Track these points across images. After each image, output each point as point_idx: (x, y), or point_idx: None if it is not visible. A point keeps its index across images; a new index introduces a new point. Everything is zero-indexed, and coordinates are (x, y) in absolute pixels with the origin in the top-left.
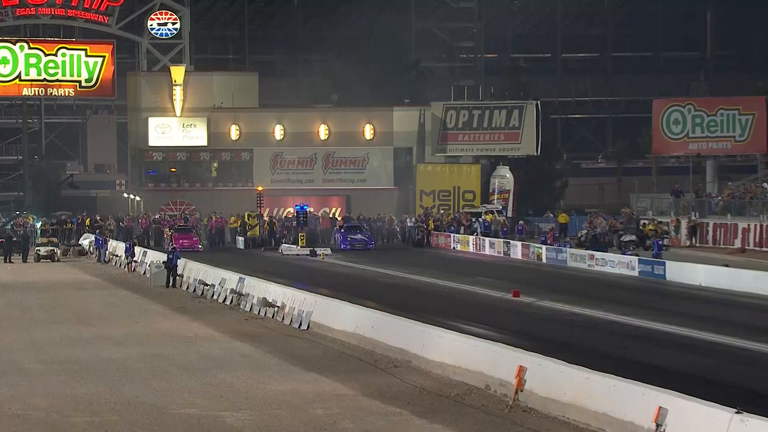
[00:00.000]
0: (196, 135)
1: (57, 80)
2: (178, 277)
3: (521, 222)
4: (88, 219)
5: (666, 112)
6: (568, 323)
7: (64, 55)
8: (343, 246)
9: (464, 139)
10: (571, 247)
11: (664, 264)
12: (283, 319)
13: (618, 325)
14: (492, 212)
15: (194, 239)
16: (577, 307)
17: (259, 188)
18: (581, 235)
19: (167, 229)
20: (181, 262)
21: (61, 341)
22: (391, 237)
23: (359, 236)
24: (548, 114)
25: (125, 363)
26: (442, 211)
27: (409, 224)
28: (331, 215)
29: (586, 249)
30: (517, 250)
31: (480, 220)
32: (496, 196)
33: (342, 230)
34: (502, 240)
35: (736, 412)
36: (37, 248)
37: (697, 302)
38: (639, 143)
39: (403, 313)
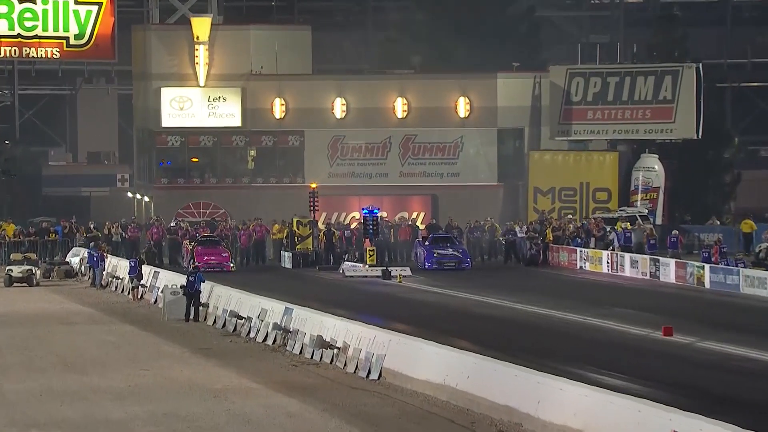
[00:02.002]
0: (226, 112)
1: (36, 36)
2: (201, 308)
3: (675, 232)
4: (80, 227)
5: None
6: (737, 372)
7: (45, 2)
8: (427, 264)
9: (596, 116)
10: (745, 267)
11: None
12: (345, 365)
13: None
14: (634, 218)
15: (224, 255)
16: (754, 350)
17: (313, 185)
18: (760, 250)
19: (187, 242)
20: (205, 286)
21: (41, 395)
22: (493, 252)
23: (450, 251)
24: (713, 81)
25: (129, 426)
26: (569, 217)
27: (518, 235)
28: (411, 222)
29: None
30: (669, 270)
31: (617, 228)
32: (639, 196)
33: (426, 243)
34: (648, 257)
35: None
36: (8, 268)
37: None
38: None
39: (511, 357)
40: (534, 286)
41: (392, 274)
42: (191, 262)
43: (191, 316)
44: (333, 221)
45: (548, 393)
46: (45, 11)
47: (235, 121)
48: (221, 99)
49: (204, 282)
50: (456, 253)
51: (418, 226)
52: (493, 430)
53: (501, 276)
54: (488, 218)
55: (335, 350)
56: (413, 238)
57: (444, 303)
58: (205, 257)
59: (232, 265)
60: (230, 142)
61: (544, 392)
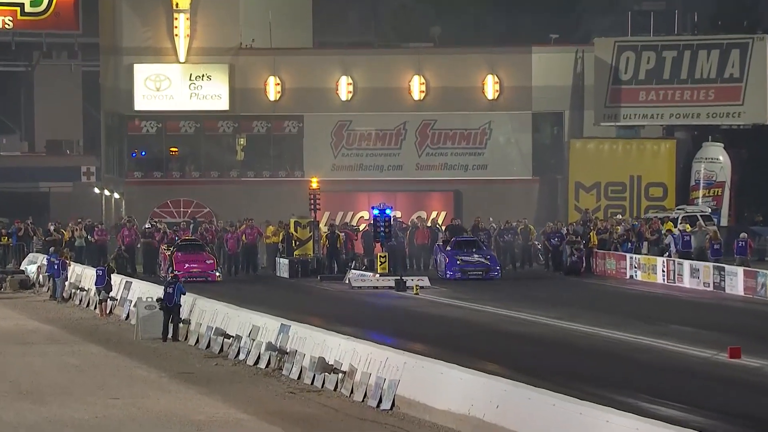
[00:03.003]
0: (210, 93)
1: None
2: (181, 325)
3: (743, 235)
4: (38, 230)
5: None
6: None
7: None
8: (449, 273)
9: (649, 98)
10: None
11: None
12: (351, 392)
13: None
14: (695, 218)
15: (208, 262)
16: None
17: (314, 180)
18: None
19: (165, 247)
20: (186, 299)
21: None
22: (527, 259)
23: (476, 257)
24: None
25: None
26: (617, 217)
27: (556, 238)
28: (429, 223)
29: None
30: (736, 281)
31: (675, 231)
32: (701, 192)
33: (448, 248)
34: (711, 265)
35: None
36: None
37: None
38: None
39: (548, 384)
40: (575, 298)
41: (407, 284)
42: (170, 270)
43: (169, 335)
44: (337, 222)
45: (593, 426)
46: None
47: (222, 103)
48: (205, 77)
49: (185, 294)
50: (483, 260)
51: (439, 228)
52: None
53: (536, 287)
54: (521, 219)
55: (340, 375)
56: (432, 242)
57: (469, 319)
58: (186, 265)
59: (218, 274)
60: (216, 129)
61: (587, 425)
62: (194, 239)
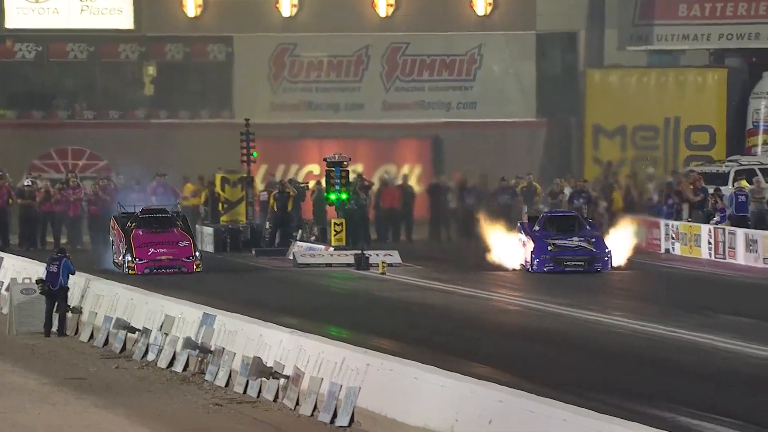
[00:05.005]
0: (109, 6)
1: None
2: (69, 315)
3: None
4: None
5: None
6: None
7: None
8: (537, 263)
9: (691, 13)
10: None
11: None
12: (297, 403)
13: None
14: (753, 173)
15: (182, 245)
16: None
17: (247, 122)
18: None
19: (115, 220)
20: (76, 280)
21: None
22: None
23: (576, 241)
24: None
25: None
26: (649, 170)
27: (581, 200)
28: (401, 180)
29: None
30: None
31: (725, 191)
32: (761, 139)
33: (536, 228)
34: None
35: None
36: None
37: None
38: None
39: (557, 393)
40: (593, 280)
41: (371, 261)
42: (126, 256)
43: (54, 328)
44: (278, 178)
45: None
46: None
47: (124, 21)
48: None
49: (74, 273)
50: (585, 245)
51: (411, 187)
52: None
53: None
54: (523, 175)
55: (282, 380)
56: (404, 206)
57: (452, 306)
58: (151, 250)
59: (196, 260)
60: (116, 55)
61: None
62: (161, 209)
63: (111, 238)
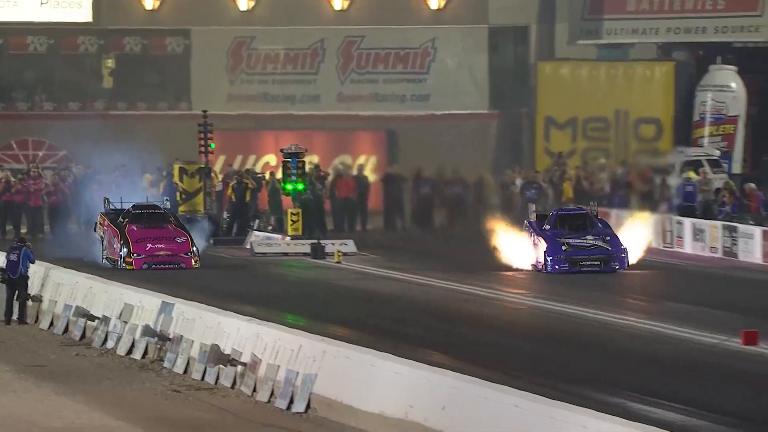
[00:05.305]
0: (68, 0)
1: None
2: (29, 303)
3: (751, 185)
4: None
5: None
6: None
7: None
8: (551, 266)
9: (640, 8)
10: None
11: None
12: (254, 390)
13: None
14: (699, 164)
15: (180, 241)
16: None
17: (205, 114)
18: None
19: (102, 215)
20: (36, 269)
21: None
22: (482, 216)
23: (590, 240)
24: None
25: None
26: (600, 161)
27: (533, 190)
28: (356, 171)
29: None
30: (753, 245)
31: (676, 181)
32: (708, 130)
33: (547, 227)
34: (720, 224)
35: None
36: None
37: None
38: None
39: (510, 379)
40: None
41: (327, 250)
42: (123, 251)
43: (14, 316)
44: (235, 169)
45: None
46: None
47: (83, 14)
48: None
49: (33, 262)
50: (600, 244)
51: (366, 177)
52: None
53: (494, 253)
54: (477, 167)
55: (239, 367)
56: (360, 196)
57: (408, 295)
58: (149, 246)
59: (194, 256)
60: (75, 47)
61: (559, 431)
62: (153, 205)
63: (100, 234)
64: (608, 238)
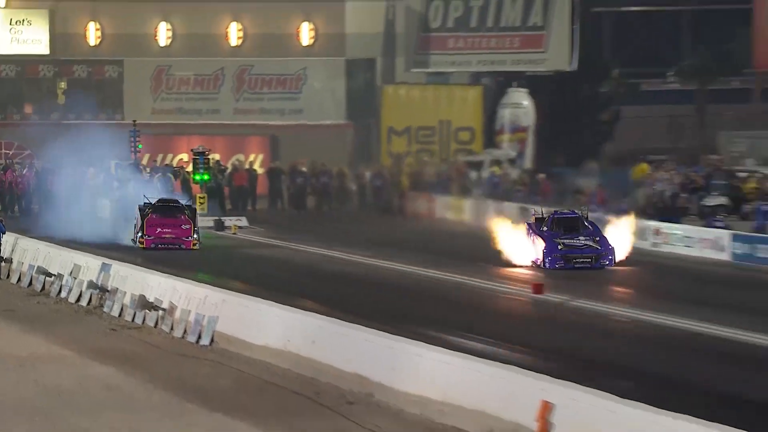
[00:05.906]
0: (31, 38)
1: None
2: (2, 264)
3: (541, 176)
4: None
5: None
6: (619, 335)
7: None
8: (549, 263)
9: (457, 45)
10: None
11: None
12: (171, 328)
13: (705, 339)
14: (499, 161)
15: (184, 228)
16: (636, 310)
17: (134, 122)
18: (639, 198)
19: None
20: (7, 239)
21: None
22: (342, 200)
23: (582, 240)
24: (590, 5)
25: None
26: (424, 159)
27: (374, 181)
28: (248, 165)
29: (648, 219)
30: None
31: (486, 173)
32: (507, 136)
33: (544, 228)
34: (516, 205)
35: None
36: None
37: None
38: (732, 52)
39: (364, 320)
40: (391, 238)
41: (226, 224)
42: (140, 235)
43: None
44: (159, 164)
45: (405, 359)
46: None
47: (42, 47)
48: (26, 22)
49: (5, 233)
50: (591, 243)
51: (255, 170)
52: (341, 401)
53: (352, 227)
54: (336, 163)
55: (160, 312)
56: (251, 184)
57: (287, 258)
58: (159, 229)
59: (193, 240)
60: (36, 73)
61: (399, 358)
62: (174, 200)
63: (135, 222)
64: (598, 239)
